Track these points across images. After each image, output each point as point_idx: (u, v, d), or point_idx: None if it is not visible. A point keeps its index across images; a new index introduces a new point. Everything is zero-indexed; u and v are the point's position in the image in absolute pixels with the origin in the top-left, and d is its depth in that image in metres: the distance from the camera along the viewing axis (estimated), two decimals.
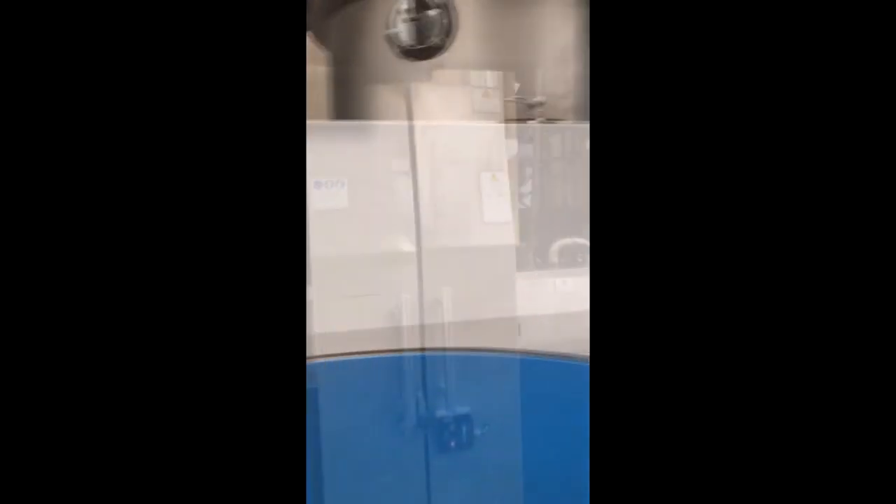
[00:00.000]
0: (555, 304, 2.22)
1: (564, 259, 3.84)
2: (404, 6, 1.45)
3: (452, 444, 1.44)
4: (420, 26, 1.46)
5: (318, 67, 1.78)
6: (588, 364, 0.62)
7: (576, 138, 2.02)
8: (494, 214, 1.50)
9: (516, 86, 1.66)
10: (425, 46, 1.48)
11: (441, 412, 1.44)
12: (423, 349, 1.45)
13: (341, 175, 1.38)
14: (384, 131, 1.44)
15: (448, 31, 1.47)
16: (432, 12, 1.44)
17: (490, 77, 1.59)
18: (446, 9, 1.46)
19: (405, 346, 1.38)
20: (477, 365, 1.51)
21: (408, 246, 1.43)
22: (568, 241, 3.61)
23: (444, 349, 1.42)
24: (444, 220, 1.46)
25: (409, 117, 1.45)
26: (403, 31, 1.46)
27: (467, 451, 1.48)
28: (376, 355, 1.41)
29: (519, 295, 2.17)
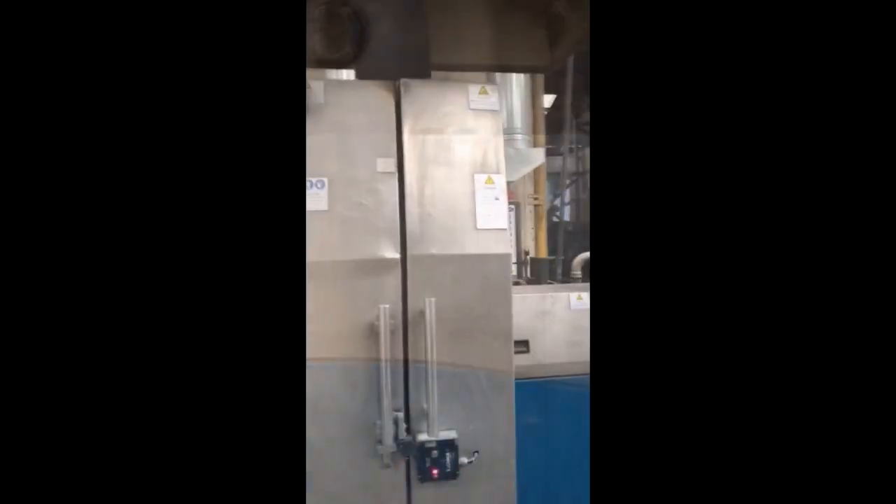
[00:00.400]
0: (561, 321, 2.05)
1: (587, 273, 3.65)
2: (315, 15, 1.42)
3: (435, 473, 1.30)
4: (331, 36, 1.42)
5: None
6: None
7: None
8: (489, 220, 1.37)
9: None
10: (337, 56, 1.45)
11: (423, 437, 1.30)
12: (405, 362, 1.33)
13: (321, 175, 1.29)
14: (370, 127, 1.34)
15: (359, 41, 1.41)
16: (343, 22, 1.42)
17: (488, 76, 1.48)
18: (358, 19, 1.42)
19: (382, 357, 1.26)
20: (465, 383, 1.37)
21: (391, 252, 1.32)
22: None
23: (428, 363, 1.29)
24: (434, 225, 1.34)
25: (398, 113, 1.35)
26: (316, 41, 1.43)
27: (452, 482, 1.33)
28: (349, 363, 1.29)
29: (528, 309, 2.02)
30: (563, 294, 2.05)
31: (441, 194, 1.35)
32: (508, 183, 4.16)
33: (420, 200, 1.35)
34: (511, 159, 3.92)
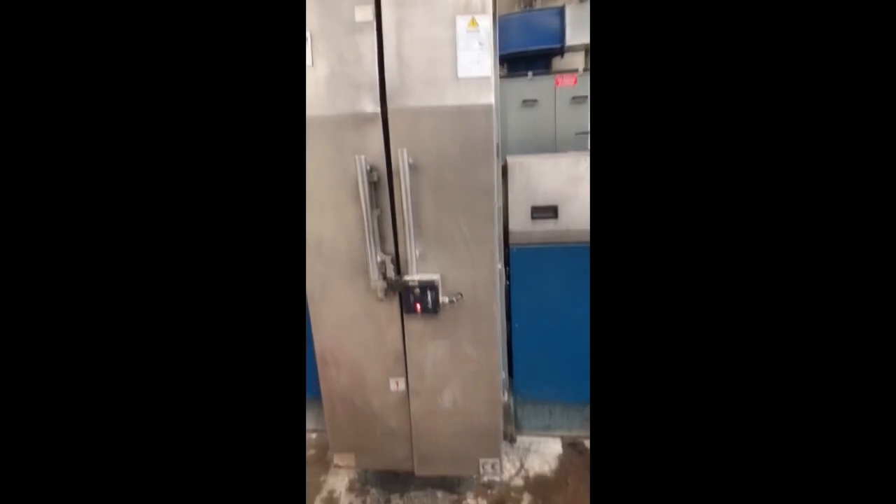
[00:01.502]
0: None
1: None
2: None
3: (418, 307, 1.48)
4: None
5: None
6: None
7: None
8: (470, 69, 1.31)
9: None
10: None
11: (408, 277, 1.46)
12: (392, 211, 1.45)
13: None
14: None
15: None
16: None
17: None
18: None
19: (363, 206, 1.39)
20: (449, 234, 1.45)
21: (372, 107, 1.36)
22: None
23: (404, 211, 1.39)
24: (412, 76, 1.33)
25: None
26: None
27: (438, 318, 1.50)
28: (341, 211, 1.46)
29: (560, 174, 1.93)
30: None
31: (420, 41, 1.31)
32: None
33: (398, 50, 1.33)
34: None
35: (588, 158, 1.92)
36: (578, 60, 4.30)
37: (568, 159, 1.94)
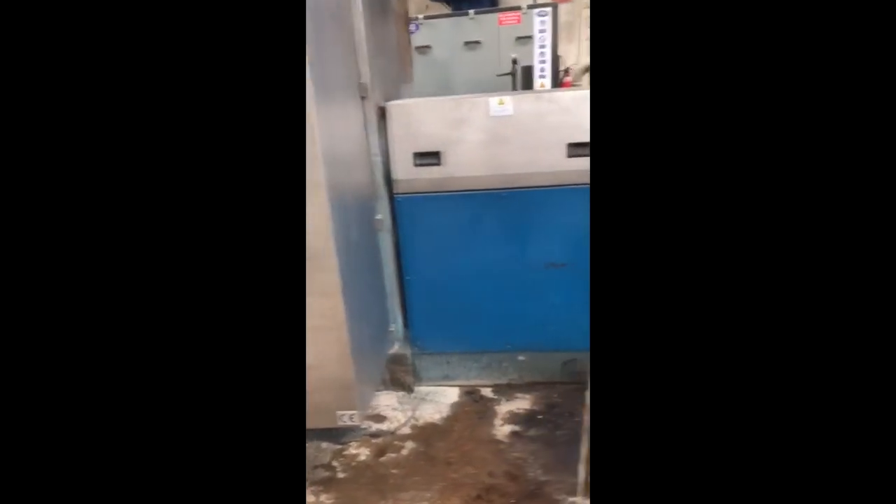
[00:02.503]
0: (479, 129, 1.83)
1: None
2: None
3: None
4: None
5: None
6: None
7: None
8: None
9: None
10: None
11: None
12: None
13: None
14: None
15: None
16: None
17: None
18: None
19: None
20: None
21: None
22: None
23: None
24: None
25: None
26: None
27: None
28: None
29: (440, 118, 1.82)
30: (482, 99, 1.79)
31: None
32: None
33: None
34: None
35: (471, 100, 1.81)
36: None
37: (448, 102, 1.83)
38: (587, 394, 1.32)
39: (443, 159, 1.85)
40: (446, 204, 1.89)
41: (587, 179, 1.82)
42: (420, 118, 1.81)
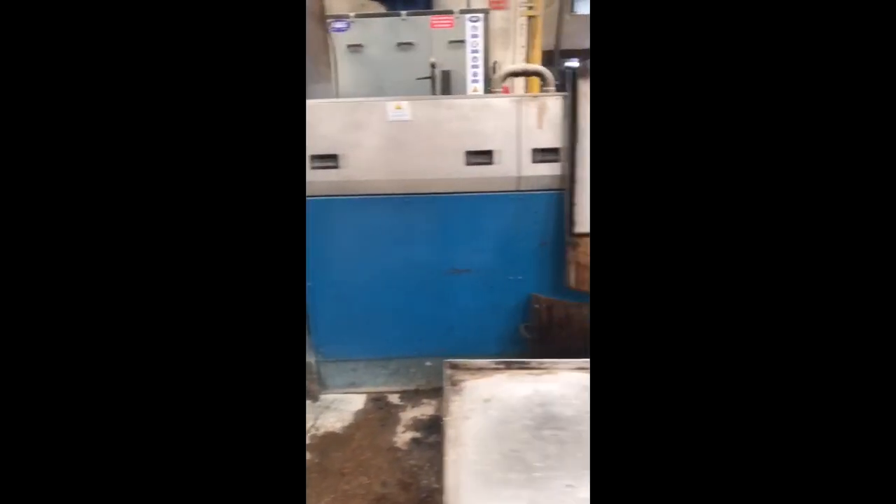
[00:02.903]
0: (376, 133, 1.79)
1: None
2: None
3: None
4: None
5: None
6: None
7: None
8: None
9: None
10: None
11: None
12: None
13: None
14: None
15: None
16: None
17: None
18: None
19: None
20: None
21: None
22: None
23: None
24: None
25: None
26: None
27: None
28: None
29: (337, 121, 1.78)
30: (379, 104, 1.77)
31: None
32: None
33: None
34: None
35: (368, 104, 1.78)
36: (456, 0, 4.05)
37: (345, 105, 1.80)
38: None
39: (341, 162, 1.82)
40: (347, 207, 1.86)
41: (485, 188, 1.83)
42: (318, 119, 1.77)
